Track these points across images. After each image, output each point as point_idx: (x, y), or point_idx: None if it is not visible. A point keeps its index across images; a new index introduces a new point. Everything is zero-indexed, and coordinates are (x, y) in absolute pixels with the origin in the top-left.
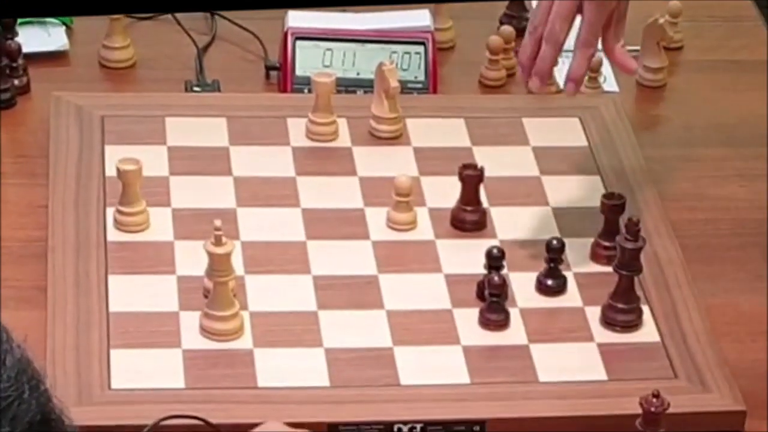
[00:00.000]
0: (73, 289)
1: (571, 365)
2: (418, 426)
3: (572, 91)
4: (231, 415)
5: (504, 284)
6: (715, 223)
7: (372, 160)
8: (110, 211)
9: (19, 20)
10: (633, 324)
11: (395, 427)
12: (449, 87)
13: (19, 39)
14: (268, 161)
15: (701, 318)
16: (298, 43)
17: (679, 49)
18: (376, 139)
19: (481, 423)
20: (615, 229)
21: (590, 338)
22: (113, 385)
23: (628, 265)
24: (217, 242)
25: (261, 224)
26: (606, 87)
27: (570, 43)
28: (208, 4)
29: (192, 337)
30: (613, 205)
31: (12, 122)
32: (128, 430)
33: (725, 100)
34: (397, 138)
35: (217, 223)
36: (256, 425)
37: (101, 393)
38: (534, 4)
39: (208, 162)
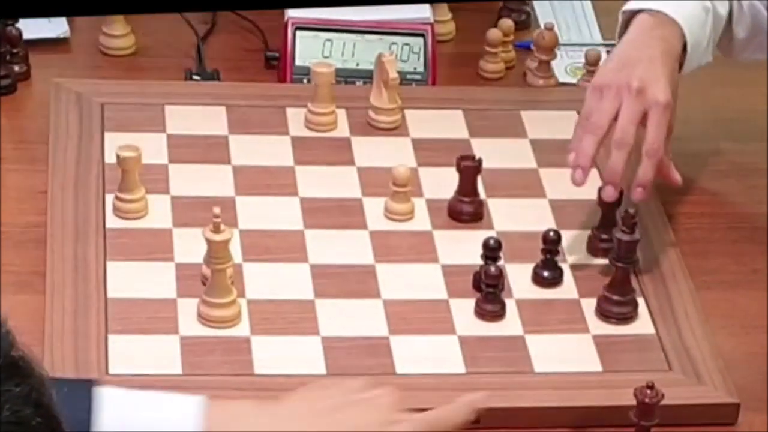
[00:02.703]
0: (71, 275)
1: (566, 356)
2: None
3: (640, 197)
4: None
5: (500, 275)
6: (712, 216)
7: (370, 151)
8: (109, 198)
9: None
10: (628, 316)
11: None
12: (448, 79)
13: (19, 25)
14: (267, 150)
15: (696, 311)
16: (299, 33)
17: None
18: (375, 129)
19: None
20: (612, 221)
21: (585, 330)
22: (111, 371)
23: (625, 257)
24: (216, 230)
25: (259, 212)
26: None
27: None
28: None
29: (189, 324)
30: None
31: (12, 108)
32: None
33: (724, 95)
34: (396, 129)
35: (216, 210)
36: None
37: (99, 378)
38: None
39: (207, 150)
